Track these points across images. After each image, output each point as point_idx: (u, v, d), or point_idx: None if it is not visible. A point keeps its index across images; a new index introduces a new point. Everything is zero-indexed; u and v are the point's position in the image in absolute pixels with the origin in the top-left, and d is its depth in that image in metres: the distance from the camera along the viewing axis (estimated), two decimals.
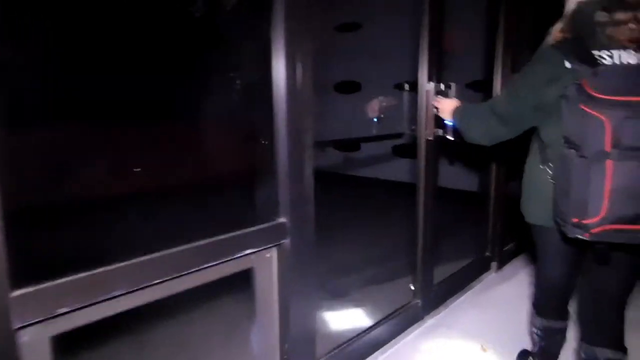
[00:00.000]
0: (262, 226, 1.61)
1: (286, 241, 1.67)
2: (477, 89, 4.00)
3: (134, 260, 1.22)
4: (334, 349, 2.10)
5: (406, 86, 2.69)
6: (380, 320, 2.41)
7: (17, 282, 1.02)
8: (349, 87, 6.49)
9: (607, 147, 1.32)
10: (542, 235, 1.76)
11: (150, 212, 1.57)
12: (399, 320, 2.49)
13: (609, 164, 1.32)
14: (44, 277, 1.07)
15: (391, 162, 5.92)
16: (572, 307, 1.90)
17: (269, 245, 1.65)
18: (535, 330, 1.97)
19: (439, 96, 2.35)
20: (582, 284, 1.80)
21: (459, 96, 2.39)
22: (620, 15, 1.44)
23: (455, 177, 4.56)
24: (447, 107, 2.12)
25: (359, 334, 2.26)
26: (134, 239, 1.34)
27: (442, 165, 2.67)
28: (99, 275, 1.16)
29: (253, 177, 1.67)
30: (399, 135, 2.60)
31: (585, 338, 1.80)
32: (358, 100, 6.20)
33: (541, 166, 1.66)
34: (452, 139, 2.34)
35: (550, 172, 1.61)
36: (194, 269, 1.39)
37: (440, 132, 2.43)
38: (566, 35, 1.57)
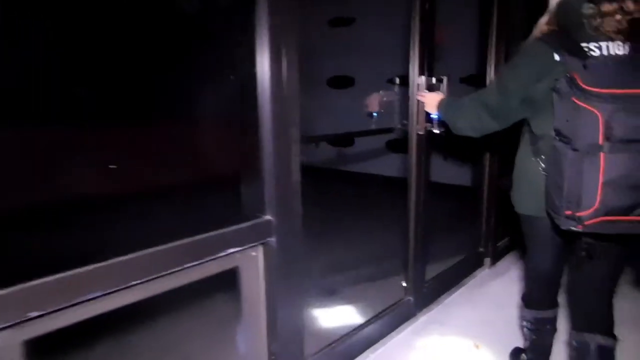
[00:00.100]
0: (246, 224, 1.56)
1: (272, 239, 1.63)
2: (471, 84, 3.96)
3: (110, 261, 1.18)
4: (324, 347, 2.06)
5: (396, 80, 2.64)
6: (372, 318, 2.38)
7: None
8: (342, 82, 6.44)
9: (600, 140, 1.31)
10: (531, 224, 1.78)
11: (130, 211, 1.52)
12: (391, 318, 2.45)
13: (601, 156, 1.32)
14: (15, 280, 1.03)
15: (385, 157, 5.89)
16: (561, 297, 1.91)
17: (254, 244, 1.60)
18: (525, 323, 1.97)
19: (424, 90, 2.34)
20: (571, 274, 1.81)
21: (451, 90, 2.36)
22: (606, 7, 1.43)
23: (448, 172, 4.54)
24: (431, 100, 2.14)
25: (349, 332, 2.23)
26: (112, 239, 1.29)
27: (435, 160, 2.64)
28: (74, 277, 1.11)
29: (237, 173, 1.62)
30: (389, 130, 2.55)
31: (576, 326, 1.80)
32: (351, 95, 6.16)
33: (533, 158, 1.66)
34: (438, 132, 2.35)
35: (542, 164, 1.61)
36: (175, 269, 1.34)
37: (431, 126, 2.40)
38: (553, 28, 1.56)
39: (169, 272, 1.32)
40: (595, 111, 1.31)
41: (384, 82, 5.38)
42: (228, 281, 1.59)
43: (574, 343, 1.79)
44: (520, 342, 2.17)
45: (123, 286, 1.20)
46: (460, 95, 1.97)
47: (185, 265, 1.37)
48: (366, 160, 6.29)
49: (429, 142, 2.49)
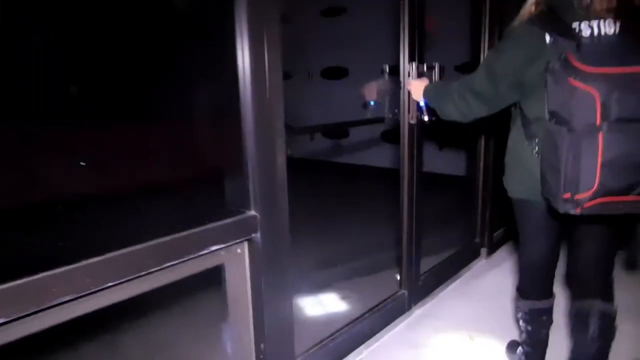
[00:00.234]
0: (229, 220, 1.50)
1: (257, 235, 1.57)
2: (467, 72, 3.88)
3: (81, 263, 1.11)
4: (315, 345, 2.01)
5: (386, 68, 2.56)
6: (365, 313, 2.33)
7: None
8: (336, 73, 6.36)
9: (598, 120, 1.28)
10: (525, 209, 1.76)
11: (108, 210, 1.46)
12: (385, 312, 2.40)
13: (600, 137, 1.29)
14: None
15: (381, 148, 5.82)
16: (557, 288, 1.90)
17: (238, 240, 1.54)
18: (521, 314, 1.93)
19: (409, 78, 2.28)
20: (568, 257, 1.81)
21: (446, 79, 2.30)
22: None
23: (443, 161, 4.49)
24: (417, 87, 2.09)
25: (342, 328, 2.18)
26: (88, 239, 1.23)
27: (429, 150, 2.58)
28: (40, 281, 1.05)
29: (220, 168, 1.56)
30: (380, 120, 2.48)
31: (575, 295, 1.80)
32: (344, 85, 6.09)
33: (526, 142, 1.63)
34: (427, 119, 2.30)
35: (536, 147, 1.59)
36: (154, 269, 1.28)
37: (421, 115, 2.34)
38: (541, 9, 1.52)
39: (147, 272, 1.26)
40: (592, 91, 1.28)
41: (378, 72, 5.32)
42: (218, 278, 1.54)
43: (574, 311, 1.79)
44: (516, 335, 2.12)
45: (95, 289, 1.14)
46: None
47: (165, 265, 1.31)
48: (362, 152, 6.22)
49: (421, 131, 2.43)
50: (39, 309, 1.06)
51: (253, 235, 1.57)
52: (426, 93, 2.00)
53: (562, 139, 1.35)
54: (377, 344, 2.28)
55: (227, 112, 1.52)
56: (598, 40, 1.42)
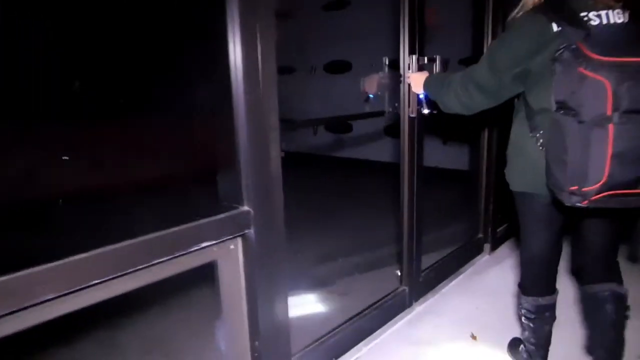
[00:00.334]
0: (221, 215, 1.47)
1: (250, 231, 1.54)
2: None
3: (65, 260, 1.09)
4: (313, 342, 1.99)
5: (385, 61, 2.51)
6: (365, 309, 2.29)
7: None
8: (339, 67, 6.30)
9: (609, 110, 1.26)
10: (527, 203, 1.73)
11: (94, 207, 1.43)
12: (385, 309, 2.37)
13: (610, 128, 1.27)
14: None
15: (385, 142, 5.77)
16: (560, 284, 1.87)
17: (231, 236, 1.51)
18: (523, 311, 1.90)
19: (409, 71, 2.24)
20: (572, 248, 1.83)
21: (448, 72, 2.25)
22: None
23: (445, 155, 4.43)
24: (417, 79, 2.06)
25: (340, 325, 2.15)
26: (70, 236, 1.21)
27: (432, 144, 2.54)
28: (22, 279, 1.02)
29: (213, 163, 1.53)
30: (379, 114, 2.44)
31: (584, 281, 1.81)
32: (347, 79, 6.04)
33: (530, 134, 1.60)
34: (428, 112, 2.26)
35: (540, 140, 1.56)
36: (141, 267, 1.26)
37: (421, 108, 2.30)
38: None
39: (134, 269, 1.23)
40: (603, 80, 1.25)
41: (381, 66, 5.26)
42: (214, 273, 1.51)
43: (586, 295, 1.80)
44: (519, 332, 2.08)
45: (79, 287, 1.11)
46: None
47: (154, 262, 1.29)
48: (364, 146, 6.18)
49: (422, 125, 2.39)
50: (20, 307, 1.03)
51: (246, 231, 1.54)
52: (426, 85, 1.97)
53: (570, 130, 1.33)
54: (376, 341, 2.24)
55: (219, 107, 1.49)
56: (607, 29, 1.39)
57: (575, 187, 1.34)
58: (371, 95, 2.54)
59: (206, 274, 1.50)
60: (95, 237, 1.19)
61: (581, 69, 1.29)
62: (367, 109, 2.70)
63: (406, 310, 2.48)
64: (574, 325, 2.18)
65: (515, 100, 1.70)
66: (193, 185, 1.71)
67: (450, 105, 1.77)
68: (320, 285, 2.81)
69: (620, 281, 1.77)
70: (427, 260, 2.68)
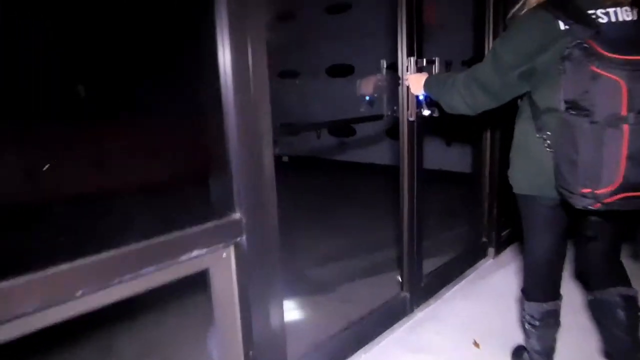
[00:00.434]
0: (212, 223, 1.44)
1: (242, 238, 1.51)
2: None
3: (45, 272, 1.05)
4: (310, 350, 1.94)
5: (383, 63, 2.47)
6: (364, 316, 2.25)
7: None
8: (341, 71, 6.27)
9: (624, 110, 1.22)
10: (531, 206, 1.70)
11: (77, 214, 1.40)
12: (384, 315, 2.33)
13: (625, 128, 1.23)
14: None
15: (386, 145, 5.73)
16: (564, 289, 1.84)
17: (223, 244, 1.48)
18: (527, 317, 1.85)
19: (407, 73, 2.20)
20: (576, 252, 1.78)
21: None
22: None
23: (450, 158, 4.38)
24: (416, 80, 2.02)
25: (339, 331, 2.11)
26: (52, 246, 1.18)
27: (434, 147, 2.49)
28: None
29: (204, 169, 1.50)
30: (378, 117, 2.40)
31: (593, 287, 1.77)
32: (350, 83, 6.01)
33: (537, 135, 1.56)
34: (429, 113, 2.22)
35: (547, 141, 1.51)
36: (129, 276, 1.22)
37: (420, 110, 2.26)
38: None
39: (119, 280, 1.20)
40: (617, 79, 1.22)
41: (379, 68, 5.22)
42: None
43: (595, 300, 1.76)
44: (523, 339, 2.03)
45: (61, 299, 1.08)
46: None
47: (141, 272, 1.25)
48: (367, 149, 6.13)
49: (421, 128, 2.34)
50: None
51: (239, 238, 1.51)
52: (427, 85, 1.93)
53: (581, 130, 1.29)
54: (376, 347, 2.20)
55: (209, 111, 1.46)
56: (616, 27, 1.36)
57: (589, 190, 1.30)
58: (368, 98, 2.50)
59: (203, 279, 1.47)
60: (80, 243, 1.16)
61: (593, 67, 1.25)
62: (364, 111, 2.66)
63: (407, 316, 2.44)
64: (580, 332, 2.13)
65: (519, 100, 1.66)
66: (185, 189, 1.67)
67: (454, 105, 1.73)
68: (320, 290, 2.77)
69: (628, 283, 1.72)
70: (431, 264, 2.63)
